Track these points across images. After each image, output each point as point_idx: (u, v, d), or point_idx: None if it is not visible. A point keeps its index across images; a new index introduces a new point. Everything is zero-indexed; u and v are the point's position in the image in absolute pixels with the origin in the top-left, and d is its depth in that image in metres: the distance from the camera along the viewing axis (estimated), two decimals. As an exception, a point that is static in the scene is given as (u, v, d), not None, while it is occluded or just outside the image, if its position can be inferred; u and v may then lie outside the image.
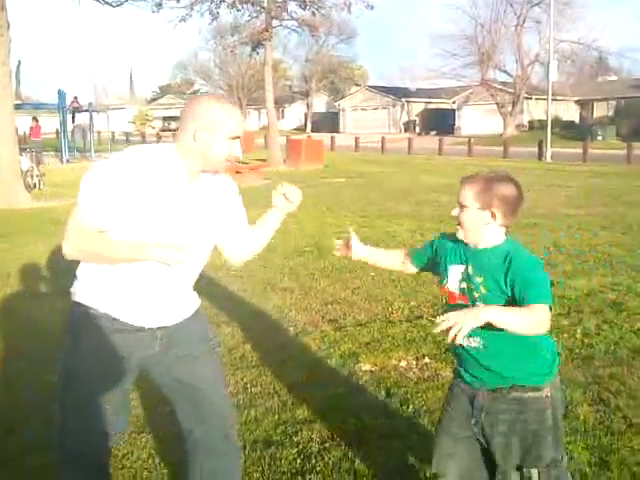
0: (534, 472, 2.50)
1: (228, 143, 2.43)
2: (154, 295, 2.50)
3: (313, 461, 3.39)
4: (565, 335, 5.23)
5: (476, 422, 2.53)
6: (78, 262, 2.50)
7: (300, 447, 3.53)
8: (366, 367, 4.68)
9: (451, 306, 2.51)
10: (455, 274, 2.53)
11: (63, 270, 7.19)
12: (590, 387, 4.25)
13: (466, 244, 2.51)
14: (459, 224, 2.48)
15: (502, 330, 2.26)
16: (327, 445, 3.55)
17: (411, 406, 4.03)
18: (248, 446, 3.53)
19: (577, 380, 4.35)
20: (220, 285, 6.95)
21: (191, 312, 2.68)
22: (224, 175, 2.64)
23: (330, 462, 3.37)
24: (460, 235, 2.49)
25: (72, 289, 2.55)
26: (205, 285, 6.83)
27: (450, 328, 2.15)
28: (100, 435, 2.56)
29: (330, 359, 4.84)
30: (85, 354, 2.49)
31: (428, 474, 3.20)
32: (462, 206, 2.45)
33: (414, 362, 4.77)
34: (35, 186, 16.19)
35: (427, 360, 4.80)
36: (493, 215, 2.42)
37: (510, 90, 46.58)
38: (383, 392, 4.24)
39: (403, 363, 4.75)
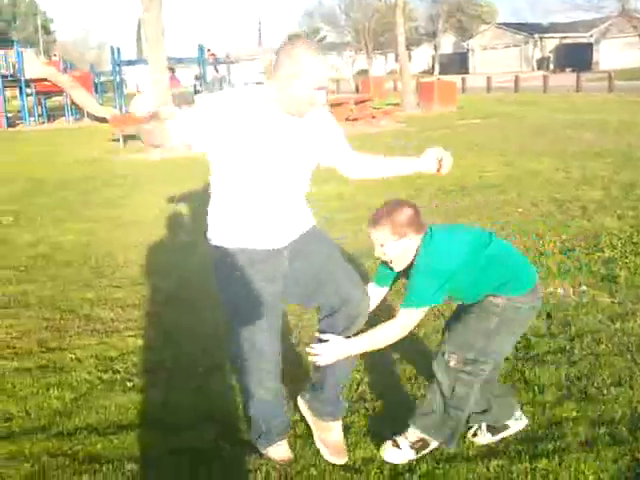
0: (453, 357, 2.83)
1: (313, 92, 2.67)
2: (276, 215, 2.81)
3: (485, 371, 3.72)
4: None
5: None
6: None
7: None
8: (525, 293, 4.91)
9: None
10: None
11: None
12: None
13: None
14: (390, 262, 2.85)
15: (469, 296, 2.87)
16: (496, 358, 3.87)
17: (573, 327, 4.27)
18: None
19: None
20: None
21: (308, 227, 2.97)
22: (321, 107, 2.89)
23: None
24: (395, 269, 2.89)
25: (207, 235, 2.86)
26: (356, 227, 7.27)
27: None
28: (269, 343, 2.90)
29: (488, 287, 5.11)
30: (238, 288, 2.82)
31: (595, 385, 3.48)
32: (382, 246, 2.80)
33: (571, 289, 4.97)
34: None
35: (584, 287, 4.98)
36: (410, 239, 2.78)
37: (654, 20, 43.50)
38: (544, 315, 4.48)
39: (560, 290, 4.95)
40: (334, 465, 2.96)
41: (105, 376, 3.94)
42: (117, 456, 3.09)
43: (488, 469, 2.86)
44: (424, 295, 2.74)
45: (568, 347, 3.98)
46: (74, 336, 4.63)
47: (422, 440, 2.96)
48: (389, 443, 2.98)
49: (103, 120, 23.39)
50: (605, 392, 3.43)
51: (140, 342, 4.46)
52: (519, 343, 4.06)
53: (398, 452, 2.95)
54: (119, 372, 4.01)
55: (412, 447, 2.96)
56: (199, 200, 9.04)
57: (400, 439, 2.97)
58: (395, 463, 2.94)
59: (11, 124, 28.01)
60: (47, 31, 64.62)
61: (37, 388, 3.80)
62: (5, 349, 4.41)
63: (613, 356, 3.84)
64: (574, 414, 3.24)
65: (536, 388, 3.50)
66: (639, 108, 19.73)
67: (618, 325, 4.26)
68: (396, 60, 39.04)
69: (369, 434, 3.18)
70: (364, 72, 57.26)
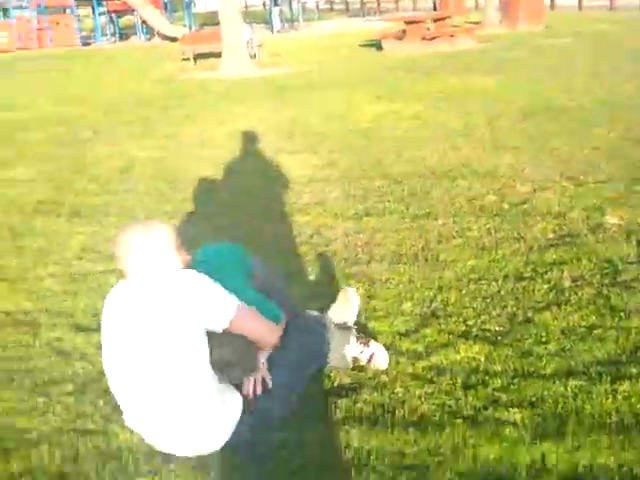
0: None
1: None
2: None
3: (567, 294, 3.56)
4: None
5: None
6: None
7: (551, 283, 3.71)
8: (613, 220, 4.61)
9: None
10: None
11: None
12: None
13: None
14: None
15: None
16: (579, 283, 3.69)
17: (664, 255, 4.01)
18: (500, 279, 3.79)
19: None
20: (453, 144, 7.09)
21: None
22: None
23: (584, 297, 3.52)
24: None
25: None
26: (436, 147, 7.05)
27: None
28: None
29: (572, 211, 4.85)
30: None
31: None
32: None
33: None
34: (255, 56, 16.92)
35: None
36: None
37: None
38: (634, 242, 4.21)
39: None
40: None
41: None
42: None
43: (566, 388, 2.76)
44: None
45: (658, 274, 3.75)
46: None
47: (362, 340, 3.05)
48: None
49: (173, 39, 23.32)
50: (699, 321, 3.22)
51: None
52: (605, 269, 3.86)
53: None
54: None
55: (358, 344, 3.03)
56: (275, 119, 8.98)
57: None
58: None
59: (85, 43, 28.29)
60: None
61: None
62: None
63: None
64: (661, 341, 3.05)
65: (622, 314, 3.32)
66: None
67: None
68: (480, -23, 37.07)
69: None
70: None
